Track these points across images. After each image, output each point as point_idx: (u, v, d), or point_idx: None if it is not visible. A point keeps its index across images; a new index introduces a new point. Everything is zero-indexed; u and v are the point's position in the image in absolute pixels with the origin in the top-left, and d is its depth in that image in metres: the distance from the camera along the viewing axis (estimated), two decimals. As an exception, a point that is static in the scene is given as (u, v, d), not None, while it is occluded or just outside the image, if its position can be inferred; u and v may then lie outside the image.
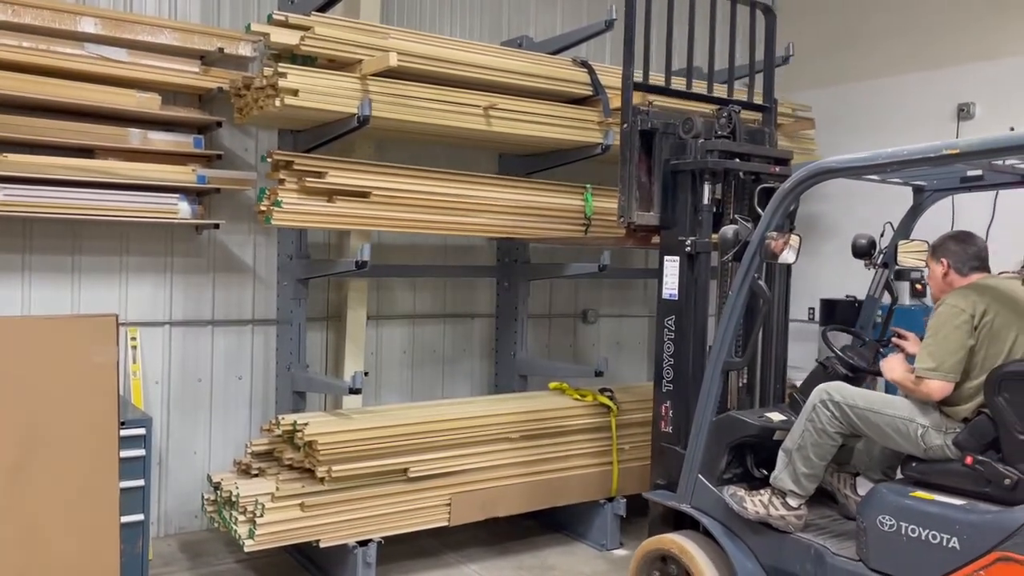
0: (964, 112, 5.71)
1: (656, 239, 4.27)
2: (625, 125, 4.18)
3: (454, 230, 4.77)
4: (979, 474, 3.05)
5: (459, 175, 4.82)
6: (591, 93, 5.14)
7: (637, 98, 4.42)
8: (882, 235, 4.21)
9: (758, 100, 4.76)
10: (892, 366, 3.43)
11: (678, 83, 4.57)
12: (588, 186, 5.20)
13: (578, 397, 5.09)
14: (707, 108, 4.62)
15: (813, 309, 6.19)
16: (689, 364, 4.06)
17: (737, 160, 4.09)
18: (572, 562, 4.74)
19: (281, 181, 4.23)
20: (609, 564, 4.70)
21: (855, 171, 3.51)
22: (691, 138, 4.11)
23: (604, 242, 5.15)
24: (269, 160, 4.31)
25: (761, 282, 3.70)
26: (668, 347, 4.13)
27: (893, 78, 6.12)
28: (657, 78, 4.52)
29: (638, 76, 4.38)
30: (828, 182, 5.83)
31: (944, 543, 2.98)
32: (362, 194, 4.39)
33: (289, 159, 4.28)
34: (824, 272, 6.04)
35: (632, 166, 4.12)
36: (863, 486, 3.55)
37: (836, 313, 5.66)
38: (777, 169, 4.20)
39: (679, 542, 3.70)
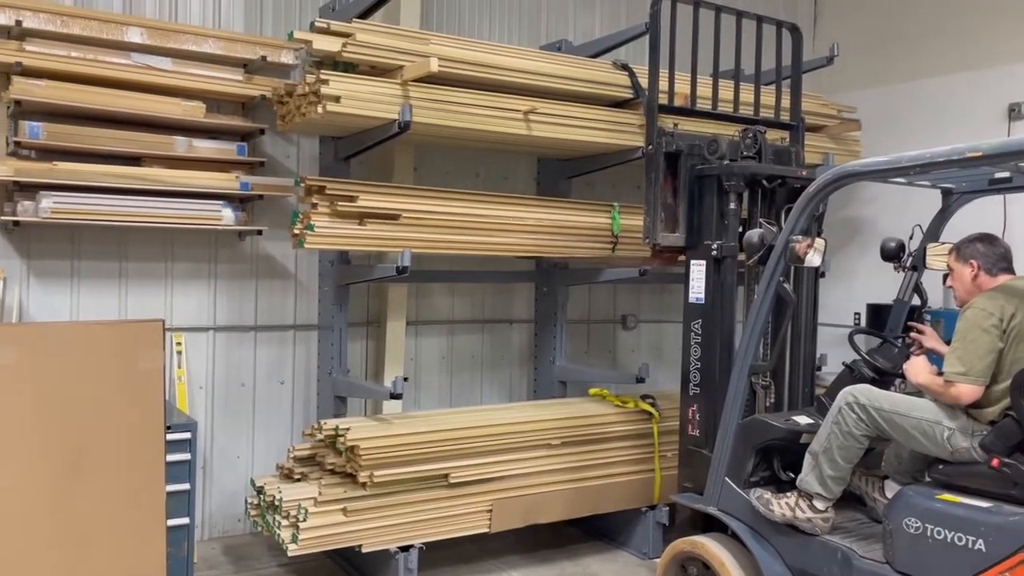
0: (1015, 112, 5.58)
1: (682, 258, 4.30)
2: (650, 147, 4.20)
3: (484, 250, 4.76)
4: (1006, 476, 3.06)
5: (488, 196, 4.84)
6: (632, 96, 5.10)
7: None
8: (911, 238, 4.19)
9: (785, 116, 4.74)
10: (916, 369, 3.42)
11: (703, 102, 4.53)
12: (616, 204, 5.18)
13: (619, 403, 5.05)
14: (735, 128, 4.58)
15: (859, 314, 6.07)
16: (716, 367, 4.09)
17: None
18: (614, 570, 4.69)
19: (314, 205, 4.26)
20: (651, 572, 4.63)
21: (878, 175, 3.53)
22: (716, 159, 4.15)
23: (631, 262, 5.12)
24: (302, 185, 4.34)
25: (787, 285, 3.75)
26: (695, 351, 4.18)
27: (942, 78, 5.99)
28: (683, 77, 4.48)
29: (663, 99, 4.39)
30: (877, 185, 5.81)
31: (970, 545, 2.99)
32: (393, 216, 4.40)
33: (321, 184, 4.31)
34: (873, 277, 5.91)
35: (658, 188, 4.15)
36: (891, 489, 3.55)
37: (882, 318, 5.54)
38: (803, 173, 4.22)
39: (706, 544, 3.74)
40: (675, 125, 4.52)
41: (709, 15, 4.52)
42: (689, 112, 4.57)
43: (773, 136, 4.49)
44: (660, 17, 4.35)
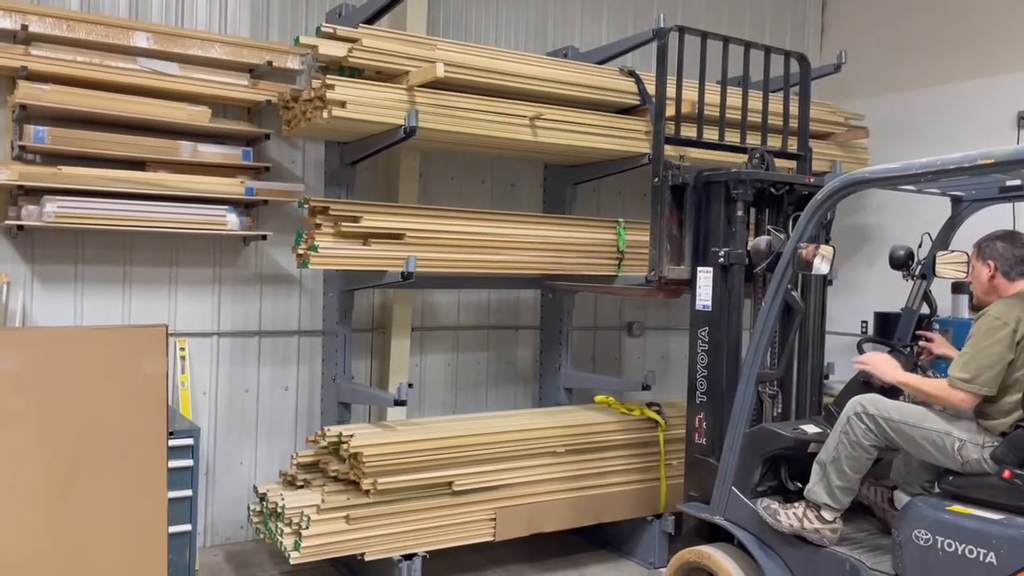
0: (1025, 120, 5.54)
1: (687, 290, 4.27)
2: (656, 179, 4.17)
3: (489, 268, 4.72)
4: (1017, 488, 3.03)
5: (493, 214, 4.82)
6: (638, 103, 5.08)
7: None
8: (920, 246, 4.16)
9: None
10: (886, 368, 3.43)
11: (711, 128, 4.51)
12: (621, 220, 5.15)
13: (625, 411, 5.02)
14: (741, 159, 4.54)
15: (866, 323, 6.03)
16: (723, 375, 4.07)
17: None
18: (619, 580, 4.66)
19: (317, 226, 4.24)
20: (657, 583, 4.60)
21: (888, 182, 3.50)
22: None
23: (634, 293, 5.07)
24: (306, 206, 4.32)
25: (794, 293, 3.73)
26: (701, 358, 4.16)
27: (950, 86, 5.96)
28: (690, 94, 4.45)
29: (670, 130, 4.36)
30: (885, 193, 5.78)
31: (981, 558, 2.96)
32: (397, 236, 4.38)
33: (325, 204, 4.30)
34: (881, 285, 5.88)
35: (663, 220, 4.13)
36: (900, 500, 3.51)
37: (890, 327, 5.50)
38: (811, 180, 4.19)
39: (713, 555, 3.71)
40: (681, 157, 4.50)
41: (716, 44, 4.44)
42: (696, 143, 4.53)
43: (780, 167, 4.45)
44: (667, 48, 4.30)
